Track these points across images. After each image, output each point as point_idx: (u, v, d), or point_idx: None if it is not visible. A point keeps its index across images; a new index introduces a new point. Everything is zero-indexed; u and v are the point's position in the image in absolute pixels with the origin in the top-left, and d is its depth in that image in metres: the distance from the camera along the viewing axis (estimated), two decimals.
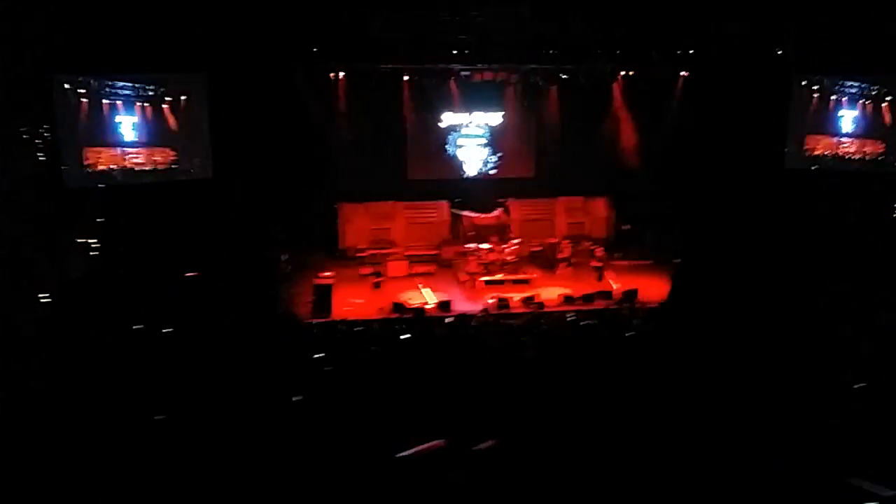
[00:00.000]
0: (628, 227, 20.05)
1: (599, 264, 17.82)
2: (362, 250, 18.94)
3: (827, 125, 19.30)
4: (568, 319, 13.75)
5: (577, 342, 11.52)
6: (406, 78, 18.82)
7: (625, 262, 18.91)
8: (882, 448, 5.11)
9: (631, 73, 19.42)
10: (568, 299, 16.14)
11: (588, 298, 16.14)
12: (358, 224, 19.34)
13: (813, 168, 19.22)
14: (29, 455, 6.76)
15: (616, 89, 19.80)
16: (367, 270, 17.13)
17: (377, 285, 16.25)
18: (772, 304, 10.22)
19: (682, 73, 19.29)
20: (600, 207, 20.50)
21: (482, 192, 20.20)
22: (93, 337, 10.22)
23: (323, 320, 14.67)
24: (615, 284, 16.97)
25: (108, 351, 9.73)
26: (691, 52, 18.65)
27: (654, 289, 16.13)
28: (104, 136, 16.48)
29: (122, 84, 16.50)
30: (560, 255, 18.15)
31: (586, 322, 12.86)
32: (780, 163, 19.09)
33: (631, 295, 15.93)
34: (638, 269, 18.18)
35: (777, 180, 18.53)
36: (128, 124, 16.73)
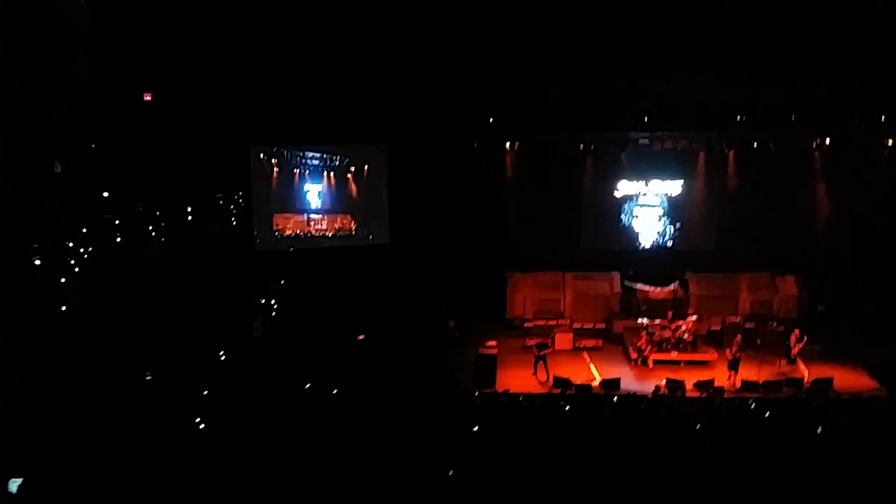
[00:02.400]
0: (823, 307, 18.22)
1: (795, 347, 16.06)
2: (529, 320, 18.65)
3: None
4: (751, 407, 12.58)
5: (757, 434, 10.49)
6: (581, 146, 18.65)
7: (817, 347, 17.17)
8: None
9: (827, 140, 18.01)
10: (749, 386, 14.77)
11: (772, 386, 14.70)
12: (526, 294, 19.10)
13: None
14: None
15: (810, 157, 18.41)
16: (532, 342, 16.77)
17: (542, 358, 15.83)
18: None
19: (889, 142, 17.60)
20: (790, 285, 18.84)
21: (658, 263, 19.34)
22: (265, 396, 10.66)
23: (485, 390, 14.46)
24: (806, 372, 15.37)
25: (279, 409, 10.11)
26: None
27: (850, 379, 14.45)
28: (293, 203, 17.63)
29: (310, 154, 17.65)
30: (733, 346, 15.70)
31: (769, 413, 11.68)
32: None
33: (824, 384, 14.35)
34: (832, 355, 16.35)
35: None
36: (314, 192, 17.82)
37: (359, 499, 7.29)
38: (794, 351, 15.73)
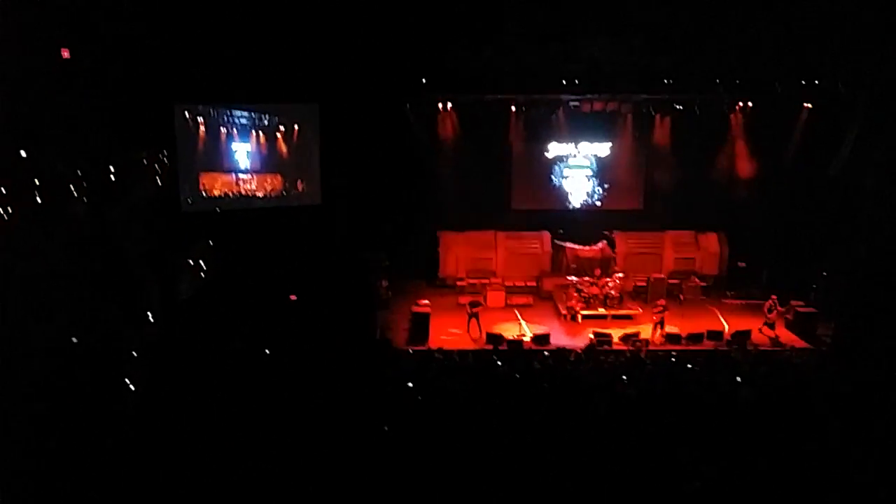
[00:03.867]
0: (743, 264, 19.00)
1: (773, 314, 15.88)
2: (461, 279, 18.87)
3: None
4: (672, 360, 13.09)
5: (680, 385, 10.94)
6: (513, 108, 18.76)
7: (738, 302, 17.93)
8: None
9: (749, 104, 18.59)
10: (673, 338, 15.38)
11: (695, 338, 15.33)
12: (458, 253, 19.27)
13: None
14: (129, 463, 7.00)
15: (733, 121, 18.99)
16: (465, 300, 16.98)
17: (474, 315, 16.06)
18: None
19: (806, 105, 18.27)
20: (712, 243, 19.55)
21: (587, 223, 19.74)
22: (194, 355, 10.54)
23: (419, 348, 14.61)
24: (726, 325, 16.05)
25: (208, 369, 10.01)
26: (816, 83, 17.63)
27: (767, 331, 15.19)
28: (220, 162, 17.22)
29: (238, 113, 17.23)
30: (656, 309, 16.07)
31: (692, 364, 12.19)
32: None
33: (743, 337, 15.04)
34: (752, 308, 17.13)
35: None
36: (242, 152, 17.44)
37: (294, 458, 7.31)
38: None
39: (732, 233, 19.35)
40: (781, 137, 18.59)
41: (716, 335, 15.40)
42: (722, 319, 16.36)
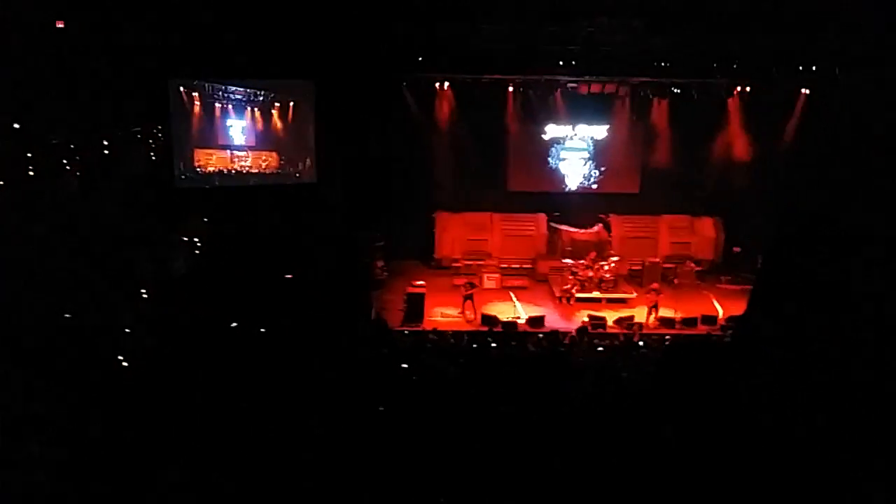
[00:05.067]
0: (738, 249, 19.02)
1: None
2: (457, 260, 18.83)
3: None
4: (666, 343, 13.13)
5: (673, 367, 10.97)
6: (511, 89, 18.64)
7: (733, 287, 17.97)
8: None
9: (747, 88, 18.52)
10: (667, 322, 15.43)
11: (690, 322, 15.38)
12: (454, 234, 19.23)
13: None
14: (115, 449, 6.95)
15: (731, 105, 18.92)
16: (460, 281, 16.96)
17: (469, 297, 16.06)
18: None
19: (804, 91, 18.22)
20: (708, 227, 19.56)
21: (583, 206, 19.72)
22: (187, 333, 10.47)
23: (414, 328, 14.62)
24: (720, 309, 16.11)
25: (203, 347, 9.96)
26: (814, 68, 17.57)
27: None
28: (215, 138, 17.07)
29: (233, 89, 17.06)
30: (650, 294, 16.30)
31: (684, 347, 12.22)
32: None
33: (735, 320, 15.09)
34: (746, 294, 17.15)
35: None
36: (237, 128, 17.29)
37: (289, 437, 7.28)
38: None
39: (728, 218, 19.35)
40: (779, 122, 18.55)
41: (710, 320, 15.44)
42: (716, 304, 16.40)
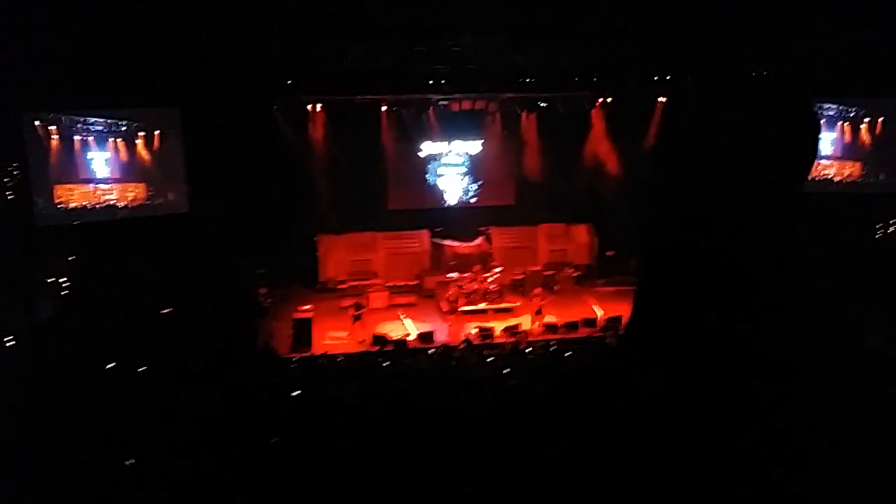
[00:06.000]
0: (612, 253, 19.90)
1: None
2: (343, 282, 18.68)
3: None
4: (551, 349, 13.56)
5: (560, 372, 11.33)
6: (384, 108, 18.74)
7: (609, 289, 18.75)
8: None
9: (609, 100, 19.46)
10: (551, 328, 15.91)
11: (572, 326, 15.93)
12: (338, 256, 19.07)
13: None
14: None
15: (594, 116, 19.81)
16: (347, 303, 16.83)
17: (358, 318, 15.97)
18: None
19: (660, 99, 19.34)
20: (582, 234, 20.37)
21: (463, 220, 20.05)
22: (62, 379, 9.86)
23: (303, 355, 14.36)
24: (599, 311, 16.77)
25: (79, 392, 9.40)
26: (668, 77, 18.70)
27: None
28: (76, 172, 16.21)
29: (93, 120, 16.27)
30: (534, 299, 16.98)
31: (569, 352, 12.67)
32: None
33: (614, 322, 15.76)
34: (622, 294, 17.96)
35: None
36: (100, 160, 16.48)
37: (181, 477, 6.97)
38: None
39: (600, 223, 20.20)
40: (640, 130, 19.58)
41: (590, 322, 16.06)
42: (595, 307, 17.07)
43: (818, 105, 18.99)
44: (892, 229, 18.63)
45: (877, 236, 18.55)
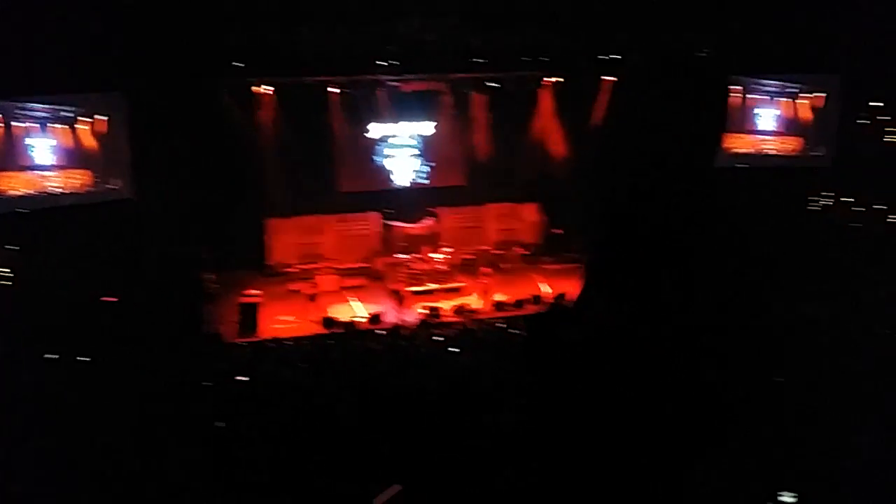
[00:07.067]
0: (559, 231, 20.22)
1: None
2: (291, 266, 18.68)
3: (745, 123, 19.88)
4: (497, 326, 13.81)
5: (508, 349, 11.56)
6: (333, 90, 18.67)
7: (556, 266, 19.08)
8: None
9: (557, 80, 19.65)
10: (500, 305, 16.19)
11: (520, 304, 16.23)
12: (287, 240, 19.04)
13: (738, 165, 19.65)
14: None
15: (543, 97, 20.01)
16: (296, 286, 16.86)
17: (312, 298, 16.01)
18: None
19: (607, 79, 19.58)
20: (531, 213, 20.64)
21: (413, 201, 20.14)
22: (4, 370, 9.80)
23: (250, 340, 14.39)
24: (547, 288, 17.10)
25: (23, 383, 9.35)
26: (615, 57, 18.93)
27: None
28: (17, 160, 15.89)
29: (34, 105, 15.93)
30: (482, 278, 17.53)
31: (516, 329, 12.94)
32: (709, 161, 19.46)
33: (561, 298, 16.10)
34: (568, 272, 18.31)
35: (706, 178, 18.91)
36: (42, 147, 16.17)
37: (129, 466, 7.05)
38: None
39: (548, 203, 20.48)
40: (587, 110, 19.81)
41: (537, 299, 16.39)
42: (543, 285, 17.40)
43: (759, 82, 19.53)
44: (832, 201, 19.26)
45: (816, 209, 19.17)
